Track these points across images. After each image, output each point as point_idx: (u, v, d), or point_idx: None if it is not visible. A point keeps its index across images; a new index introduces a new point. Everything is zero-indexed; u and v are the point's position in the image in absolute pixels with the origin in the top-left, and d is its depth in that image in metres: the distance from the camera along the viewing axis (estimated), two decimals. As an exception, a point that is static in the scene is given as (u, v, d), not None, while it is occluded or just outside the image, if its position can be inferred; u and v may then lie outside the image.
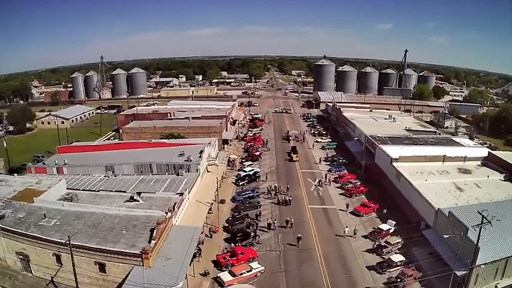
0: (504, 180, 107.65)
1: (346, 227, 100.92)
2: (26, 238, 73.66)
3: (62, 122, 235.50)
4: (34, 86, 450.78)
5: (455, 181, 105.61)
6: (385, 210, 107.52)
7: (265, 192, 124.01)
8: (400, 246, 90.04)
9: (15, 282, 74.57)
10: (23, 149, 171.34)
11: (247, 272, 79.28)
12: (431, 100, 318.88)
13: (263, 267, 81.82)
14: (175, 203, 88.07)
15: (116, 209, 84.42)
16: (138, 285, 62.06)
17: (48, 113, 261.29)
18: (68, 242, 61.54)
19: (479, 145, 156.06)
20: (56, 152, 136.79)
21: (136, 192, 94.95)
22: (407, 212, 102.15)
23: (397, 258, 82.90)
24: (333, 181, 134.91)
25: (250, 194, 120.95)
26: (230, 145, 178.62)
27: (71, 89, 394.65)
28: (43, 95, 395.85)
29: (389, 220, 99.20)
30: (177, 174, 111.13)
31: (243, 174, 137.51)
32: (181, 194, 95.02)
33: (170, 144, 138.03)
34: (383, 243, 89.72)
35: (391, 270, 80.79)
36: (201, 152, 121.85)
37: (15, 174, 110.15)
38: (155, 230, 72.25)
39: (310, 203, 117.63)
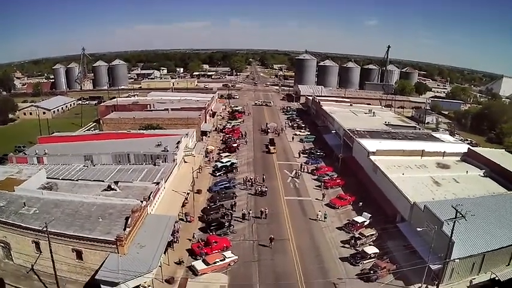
0: (483, 176, 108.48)
1: (319, 211, 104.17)
2: (6, 226, 73.91)
3: (44, 113, 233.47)
4: (17, 77, 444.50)
5: (433, 175, 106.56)
6: (360, 203, 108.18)
7: (242, 183, 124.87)
8: (374, 238, 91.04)
9: None
10: (5, 139, 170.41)
11: (221, 261, 79.89)
12: (413, 96, 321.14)
13: (236, 257, 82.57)
14: (151, 192, 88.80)
15: (93, 198, 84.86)
16: (113, 272, 62.75)
17: (30, 104, 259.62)
18: (45, 229, 61.78)
19: (460, 141, 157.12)
20: (37, 142, 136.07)
21: (114, 182, 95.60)
22: (383, 205, 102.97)
23: (371, 250, 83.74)
24: (309, 173, 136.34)
25: (227, 185, 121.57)
26: (209, 136, 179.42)
27: (53, 80, 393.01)
28: (25, 86, 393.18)
29: (365, 213, 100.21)
30: (154, 164, 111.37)
31: (220, 165, 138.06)
32: (158, 184, 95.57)
33: (148, 135, 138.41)
34: (357, 235, 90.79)
35: (364, 262, 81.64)
36: (178, 142, 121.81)
37: None
38: (130, 218, 72.84)
39: (286, 195, 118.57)
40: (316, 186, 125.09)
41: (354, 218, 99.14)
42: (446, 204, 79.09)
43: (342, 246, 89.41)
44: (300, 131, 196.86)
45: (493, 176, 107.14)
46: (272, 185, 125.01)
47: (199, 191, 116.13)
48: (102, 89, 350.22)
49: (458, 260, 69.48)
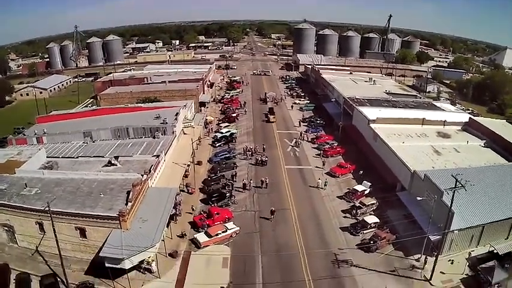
0: (484, 147, 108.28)
1: (319, 179, 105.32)
2: (8, 209, 74.07)
3: (41, 93, 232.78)
4: (11, 59, 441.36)
5: (433, 145, 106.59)
6: (361, 172, 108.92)
7: (242, 153, 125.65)
8: (374, 207, 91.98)
9: (2, 255, 75.26)
10: (3, 122, 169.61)
11: (223, 232, 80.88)
12: (415, 65, 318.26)
13: (238, 228, 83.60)
14: (152, 165, 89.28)
15: (94, 174, 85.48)
16: (116, 248, 63.60)
17: (26, 84, 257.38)
18: (47, 208, 61.36)
19: (461, 111, 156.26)
20: (35, 122, 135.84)
21: (114, 157, 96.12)
22: (384, 174, 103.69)
23: (371, 219, 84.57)
24: (309, 142, 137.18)
25: (227, 155, 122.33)
26: (207, 107, 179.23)
27: (48, 59, 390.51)
28: (20, 67, 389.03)
29: (365, 181, 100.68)
30: (154, 137, 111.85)
31: (219, 135, 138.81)
32: (158, 156, 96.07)
33: (146, 108, 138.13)
34: (357, 204, 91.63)
35: (364, 231, 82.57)
36: (177, 114, 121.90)
37: None
38: (131, 193, 73.34)
39: (286, 164, 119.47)
40: (316, 154, 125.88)
41: (354, 187, 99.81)
42: (446, 173, 78.04)
43: (344, 217, 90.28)
44: (300, 100, 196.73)
45: (493, 147, 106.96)
46: (272, 154, 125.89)
47: (199, 162, 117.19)
48: (98, 65, 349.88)
49: (457, 232, 70.10)
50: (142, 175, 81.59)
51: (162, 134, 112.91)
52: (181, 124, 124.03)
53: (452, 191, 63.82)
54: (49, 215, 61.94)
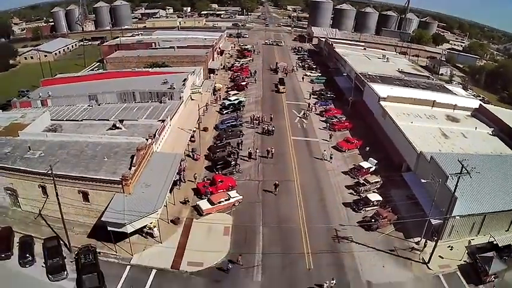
0: (492, 135, 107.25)
1: (324, 150, 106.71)
2: (12, 172, 74.41)
3: (45, 56, 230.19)
4: (14, 23, 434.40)
5: (442, 127, 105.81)
6: (367, 148, 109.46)
7: (249, 122, 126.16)
8: (378, 186, 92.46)
9: (5, 218, 75.92)
10: (7, 85, 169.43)
11: (226, 200, 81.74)
12: (430, 46, 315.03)
13: (241, 196, 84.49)
14: (157, 130, 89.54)
15: (98, 137, 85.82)
16: (118, 213, 64.50)
17: (30, 48, 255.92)
18: (50, 171, 61.87)
19: (472, 96, 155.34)
20: (40, 85, 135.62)
21: (119, 120, 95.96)
22: (390, 152, 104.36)
23: (374, 197, 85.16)
24: (318, 114, 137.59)
25: (233, 123, 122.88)
26: (216, 74, 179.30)
27: (53, 23, 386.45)
28: (24, 31, 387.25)
29: (371, 158, 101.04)
30: (160, 102, 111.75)
31: (227, 103, 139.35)
32: (163, 121, 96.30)
33: (154, 73, 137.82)
34: (362, 181, 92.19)
35: (367, 209, 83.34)
36: (185, 80, 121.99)
37: (0, 111, 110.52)
38: (135, 157, 73.85)
39: (293, 135, 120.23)
40: (323, 127, 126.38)
41: (360, 163, 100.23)
42: (452, 157, 79.11)
43: (348, 193, 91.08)
44: (311, 72, 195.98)
45: (501, 136, 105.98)
46: (279, 124, 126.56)
47: (205, 129, 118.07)
48: (105, 29, 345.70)
49: (459, 218, 70.64)
50: (146, 139, 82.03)
51: (168, 99, 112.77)
52: (189, 90, 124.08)
53: (457, 177, 63.60)
54: (52, 178, 62.69)
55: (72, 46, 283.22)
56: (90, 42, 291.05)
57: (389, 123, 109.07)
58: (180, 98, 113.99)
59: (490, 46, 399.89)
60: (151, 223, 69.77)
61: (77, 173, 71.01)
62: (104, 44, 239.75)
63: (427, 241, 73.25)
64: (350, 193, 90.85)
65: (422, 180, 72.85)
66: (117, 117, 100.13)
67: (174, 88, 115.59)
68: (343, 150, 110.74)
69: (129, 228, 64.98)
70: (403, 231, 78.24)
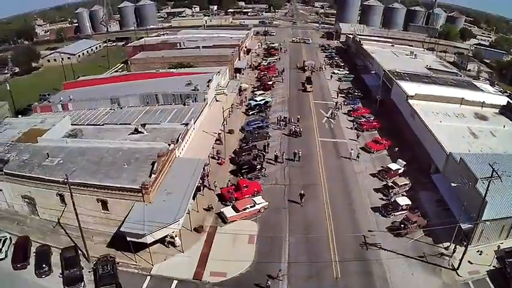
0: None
1: (352, 149, 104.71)
2: (29, 180, 73.75)
3: (68, 58, 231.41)
4: (38, 25, 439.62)
5: (470, 126, 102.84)
6: (396, 149, 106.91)
7: (275, 123, 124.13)
8: (407, 188, 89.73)
9: (23, 227, 75.53)
10: (29, 89, 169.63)
11: (251, 207, 79.70)
12: (457, 41, 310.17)
13: (267, 203, 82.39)
14: (180, 134, 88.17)
15: (119, 143, 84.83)
16: (138, 224, 63.30)
17: (53, 50, 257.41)
18: (66, 180, 60.69)
19: (500, 93, 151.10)
20: (62, 88, 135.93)
21: (141, 124, 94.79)
22: (419, 153, 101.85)
23: (403, 201, 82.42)
24: (345, 114, 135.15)
25: (260, 124, 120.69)
26: (243, 74, 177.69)
27: (77, 24, 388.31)
28: (48, 33, 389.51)
29: (399, 160, 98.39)
30: (184, 104, 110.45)
31: (253, 103, 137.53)
32: (187, 125, 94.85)
33: (178, 74, 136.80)
34: (390, 184, 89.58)
35: (396, 213, 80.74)
36: (209, 81, 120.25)
37: (20, 116, 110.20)
38: (156, 164, 72.35)
39: (321, 136, 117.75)
40: (351, 127, 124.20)
41: (388, 165, 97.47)
42: (482, 158, 77.21)
43: (378, 197, 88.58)
44: (339, 70, 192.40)
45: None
46: (307, 125, 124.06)
47: (231, 131, 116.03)
48: (130, 29, 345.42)
49: (489, 223, 68.14)
50: (169, 144, 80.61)
51: (192, 101, 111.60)
52: (213, 91, 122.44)
53: (487, 181, 61.05)
54: (68, 187, 61.73)
55: (96, 47, 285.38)
56: (114, 43, 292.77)
57: (417, 122, 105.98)
58: (204, 99, 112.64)
59: None
60: (172, 232, 68.27)
61: (96, 181, 70.05)
62: (128, 44, 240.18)
63: (457, 246, 70.68)
64: (379, 197, 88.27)
65: (453, 185, 69.65)
66: (140, 121, 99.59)
67: (198, 90, 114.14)
68: (372, 151, 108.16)
69: (148, 239, 63.83)
70: (432, 236, 75.61)
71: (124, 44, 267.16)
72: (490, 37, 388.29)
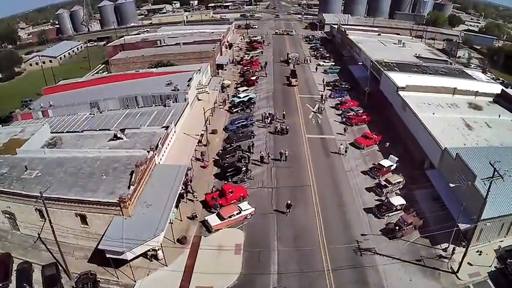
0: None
1: (341, 144, 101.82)
2: (7, 195, 71.11)
3: (50, 61, 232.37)
4: (21, 28, 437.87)
5: (464, 117, 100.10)
6: (387, 144, 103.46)
7: (260, 120, 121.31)
8: (401, 186, 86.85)
9: (5, 243, 73.15)
10: (13, 95, 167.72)
11: (237, 214, 76.43)
12: (446, 28, 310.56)
13: (253, 209, 79.09)
14: (160, 139, 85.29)
15: (96, 151, 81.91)
16: (116, 241, 60.58)
17: (35, 54, 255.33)
18: (41, 196, 58.39)
19: (493, 80, 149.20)
20: (43, 93, 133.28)
21: (120, 129, 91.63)
22: (411, 148, 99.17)
23: (397, 201, 79.10)
24: (333, 107, 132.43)
25: (244, 123, 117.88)
26: (225, 70, 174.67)
27: (58, 26, 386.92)
28: (31, 35, 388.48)
29: (391, 155, 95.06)
30: (164, 106, 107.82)
31: (237, 100, 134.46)
32: (167, 128, 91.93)
33: (158, 74, 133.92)
34: (383, 182, 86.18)
35: (390, 214, 77.70)
36: (190, 80, 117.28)
37: (1, 125, 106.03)
38: (134, 174, 69.44)
39: (308, 132, 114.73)
40: (340, 122, 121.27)
41: (379, 162, 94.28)
42: (479, 153, 75.89)
43: (371, 196, 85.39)
44: (324, 62, 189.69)
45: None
46: (293, 121, 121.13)
47: (214, 131, 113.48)
48: (111, 28, 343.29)
49: (489, 224, 66.26)
50: (148, 151, 77.51)
51: (173, 102, 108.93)
52: (194, 90, 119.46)
53: (489, 182, 57.67)
54: (47, 201, 60.08)
55: (78, 49, 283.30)
56: (95, 43, 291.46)
57: (409, 115, 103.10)
58: (185, 100, 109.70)
59: (506, 26, 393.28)
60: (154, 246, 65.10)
61: (73, 195, 67.11)
62: (108, 44, 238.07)
63: (455, 248, 68.30)
64: (371, 196, 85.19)
65: (451, 185, 66.42)
66: (119, 126, 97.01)
67: (178, 90, 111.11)
68: (362, 147, 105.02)
69: (128, 256, 60.91)
70: (428, 236, 72.60)
71: (105, 44, 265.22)
72: (479, 23, 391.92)
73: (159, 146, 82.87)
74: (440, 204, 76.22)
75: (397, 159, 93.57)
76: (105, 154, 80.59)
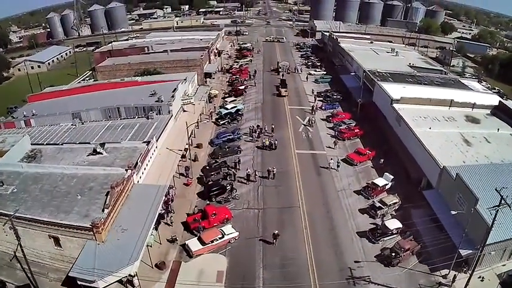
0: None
1: (331, 158, 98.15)
2: None
3: (38, 66, 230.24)
4: (13, 31, 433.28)
5: (462, 132, 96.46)
6: (381, 160, 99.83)
7: (248, 133, 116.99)
8: (397, 207, 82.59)
9: None
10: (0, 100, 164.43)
11: (219, 238, 71.96)
12: (438, 35, 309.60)
13: (237, 233, 74.36)
14: (140, 155, 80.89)
15: (74, 168, 77.85)
16: (87, 269, 56.64)
17: (23, 58, 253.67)
18: (12, 216, 56.11)
19: (489, 91, 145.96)
20: (27, 101, 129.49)
21: (100, 144, 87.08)
22: (407, 164, 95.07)
23: (393, 224, 74.50)
24: (324, 119, 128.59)
25: (230, 137, 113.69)
26: (213, 78, 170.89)
27: (49, 30, 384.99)
28: (21, 39, 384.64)
29: (386, 173, 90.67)
30: (147, 118, 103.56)
31: (224, 111, 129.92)
32: (148, 143, 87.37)
33: (143, 83, 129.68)
34: (377, 204, 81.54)
35: (385, 239, 73.34)
36: (174, 90, 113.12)
37: None
38: (109, 196, 65.25)
39: (298, 147, 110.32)
40: (331, 136, 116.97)
41: (373, 181, 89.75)
42: (480, 171, 73.33)
43: (365, 218, 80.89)
44: (315, 70, 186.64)
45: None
46: (282, 135, 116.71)
47: (199, 145, 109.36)
48: (99, 33, 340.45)
49: (494, 253, 63.50)
50: (126, 169, 73.18)
51: (156, 114, 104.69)
52: (179, 101, 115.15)
53: (495, 210, 53.92)
54: (19, 221, 59.74)
55: (66, 54, 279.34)
56: (85, 48, 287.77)
57: (405, 130, 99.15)
58: (169, 112, 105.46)
59: (499, 33, 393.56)
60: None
61: (47, 216, 63.63)
62: (96, 50, 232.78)
63: (457, 274, 64.63)
64: (365, 218, 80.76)
65: (452, 212, 62.17)
66: (100, 139, 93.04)
67: (162, 101, 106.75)
68: (355, 163, 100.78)
69: (100, 284, 57.17)
70: (427, 262, 68.56)
71: (94, 49, 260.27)
72: (472, 30, 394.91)
73: (139, 163, 78.53)
74: (439, 227, 72.03)
75: (392, 177, 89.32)
76: (82, 171, 76.65)
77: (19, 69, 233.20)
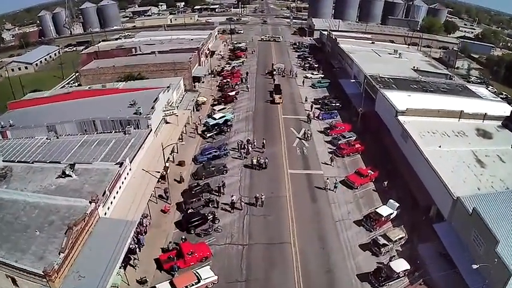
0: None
1: (327, 178, 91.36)
2: None
3: (26, 67, 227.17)
4: (6, 29, 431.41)
5: (474, 149, 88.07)
6: (385, 183, 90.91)
7: (236, 149, 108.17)
8: (403, 242, 73.87)
9: None
10: None
11: (194, 284, 63.24)
12: (441, 35, 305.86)
13: (216, 277, 65.35)
14: (111, 181, 72.51)
15: (37, 196, 70.26)
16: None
17: (11, 59, 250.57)
18: None
19: (498, 98, 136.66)
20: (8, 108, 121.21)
21: (70, 165, 78.52)
22: (414, 189, 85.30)
23: (400, 266, 65.75)
24: (321, 132, 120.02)
25: (216, 153, 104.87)
26: (203, 82, 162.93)
27: (41, 28, 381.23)
28: (14, 37, 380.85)
29: (391, 201, 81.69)
30: (124, 133, 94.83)
31: (211, 122, 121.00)
32: (121, 165, 78.43)
33: (124, 90, 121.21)
34: (381, 241, 72.12)
35: (390, 283, 64.46)
36: (155, 101, 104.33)
37: None
38: (66, 238, 57.20)
39: (291, 166, 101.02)
40: (329, 151, 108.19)
41: (376, 209, 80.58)
42: (497, 201, 66.71)
43: (367, 256, 72.10)
44: (313, 73, 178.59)
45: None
46: (274, 151, 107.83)
47: (181, 163, 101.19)
48: (93, 31, 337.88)
49: None
50: (90, 201, 64.87)
51: (134, 128, 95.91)
52: (161, 113, 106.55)
53: None
54: None
55: (55, 54, 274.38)
56: (75, 48, 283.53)
57: (411, 147, 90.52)
58: (148, 126, 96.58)
59: (502, 32, 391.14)
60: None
61: (2, 255, 57.93)
62: (82, 52, 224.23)
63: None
64: (366, 255, 71.94)
65: (474, 267, 54.16)
66: (72, 157, 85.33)
67: (140, 113, 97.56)
68: (355, 186, 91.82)
69: None
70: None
71: (83, 49, 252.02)
72: (474, 29, 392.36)
73: (107, 192, 70.04)
74: (451, 265, 64.37)
75: (397, 205, 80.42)
76: (45, 200, 69.21)
77: (11, 70, 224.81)
